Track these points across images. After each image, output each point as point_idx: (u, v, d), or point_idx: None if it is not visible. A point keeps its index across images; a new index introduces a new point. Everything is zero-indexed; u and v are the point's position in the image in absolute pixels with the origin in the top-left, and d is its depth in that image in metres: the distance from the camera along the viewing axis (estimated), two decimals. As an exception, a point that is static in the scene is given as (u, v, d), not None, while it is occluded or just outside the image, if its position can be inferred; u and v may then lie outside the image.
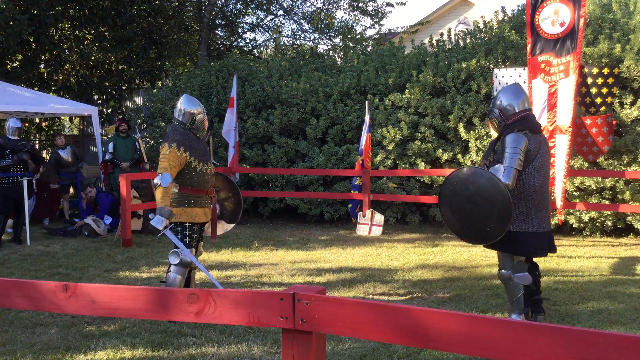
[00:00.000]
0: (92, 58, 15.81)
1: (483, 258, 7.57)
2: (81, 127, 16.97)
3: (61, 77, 15.71)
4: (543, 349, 1.84)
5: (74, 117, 17.50)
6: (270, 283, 6.45)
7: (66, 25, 15.73)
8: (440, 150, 9.70)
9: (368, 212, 9.57)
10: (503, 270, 4.88)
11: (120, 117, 13.11)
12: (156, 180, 4.94)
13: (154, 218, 4.92)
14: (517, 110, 4.80)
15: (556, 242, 8.52)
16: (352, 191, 9.94)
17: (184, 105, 5.21)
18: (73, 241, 8.99)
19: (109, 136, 12.47)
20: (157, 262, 7.51)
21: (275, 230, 10.09)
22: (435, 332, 2.02)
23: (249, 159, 11.22)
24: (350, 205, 10.06)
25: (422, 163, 9.81)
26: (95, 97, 15.87)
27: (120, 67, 16.11)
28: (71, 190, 11.93)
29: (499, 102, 4.90)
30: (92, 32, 15.57)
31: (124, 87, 16.21)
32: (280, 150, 10.94)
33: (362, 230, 9.62)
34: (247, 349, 4.43)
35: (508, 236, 4.66)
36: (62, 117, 17.98)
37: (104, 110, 15.80)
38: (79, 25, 15.38)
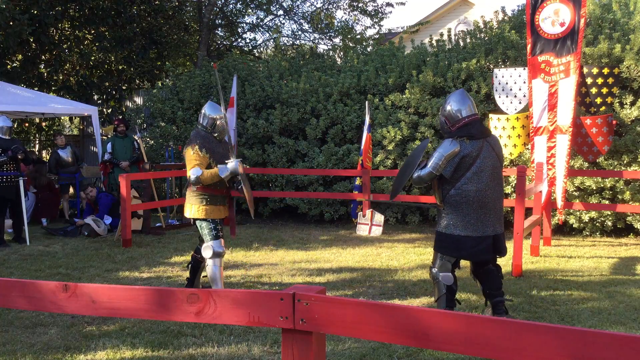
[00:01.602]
0: (92, 58, 15.82)
1: (483, 258, 7.57)
2: (81, 127, 16.98)
3: (61, 77, 15.71)
4: (541, 348, 1.84)
5: (73, 117, 17.51)
6: (270, 283, 6.46)
7: (66, 25, 15.73)
8: (440, 150, 9.70)
9: (368, 212, 9.58)
10: (433, 269, 5.02)
11: (120, 117, 13.10)
12: (193, 177, 5.44)
13: (236, 168, 5.44)
14: (462, 117, 4.88)
15: (556, 242, 8.60)
16: (354, 191, 9.94)
17: (207, 110, 5.73)
18: (73, 241, 8.99)
19: (109, 136, 12.47)
20: (157, 262, 7.51)
21: (275, 230, 10.09)
22: (434, 332, 2.02)
23: (249, 159, 11.22)
24: (351, 206, 10.08)
25: (422, 163, 9.81)
26: (95, 97, 15.87)
27: (120, 67, 16.11)
28: (71, 190, 11.93)
29: (444, 110, 4.99)
30: (92, 32, 15.57)
31: (123, 87, 16.21)
32: (280, 150, 10.94)
33: (362, 230, 9.62)
34: (247, 349, 4.43)
35: (448, 239, 4.86)
36: (62, 117, 17.98)
37: (104, 110, 15.80)
38: (79, 25, 15.39)
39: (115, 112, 15.84)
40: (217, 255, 5.57)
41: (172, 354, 4.38)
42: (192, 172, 5.45)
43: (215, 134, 5.70)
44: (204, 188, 5.55)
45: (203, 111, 5.77)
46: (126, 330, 4.86)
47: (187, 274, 6.78)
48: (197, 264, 5.93)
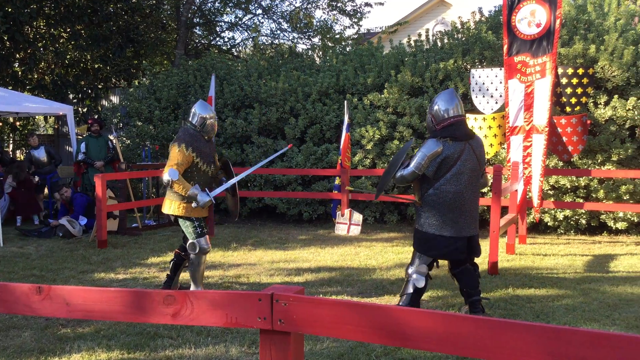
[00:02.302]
0: (68, 56, 15.61)
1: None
2: (56, 126, 16.74)
3: (36, 76, 15.47)
4: (519, 346, 1.86)
5: (48, 117, 17.26)
6: (248, 283, 6.43)
7: (41, 24, 15.50)
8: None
9: (346, 211, 9.59)
10: (409, 268, 5.07)
11: (96, 116, 12.95)
12: (166, 178, 5.47)
13: (200, 202, 5.48)
14: (448, 116, 4.91)
15: (532, 240, 8.71)
16: (334, 191, 9.94)
17: (198, 109, 5.75)
18: (47, 242, 8.86)
19: (83, 136, 12.31)
20: (134, 263, 7.43)
21: (253, 230, 10.05)
22: (412, 330, 2.03)
23: (227, 159, 11.15)
24: (331, 205, 10.08)
25: (400, 162, 9.85)
26: (71, 96, 15.66)
27: (96, 66, 15.91)
28: (45, 190, 11.75)
29: (432, 108, 5.03)
30: (68, 30, 15.36)
31: (99, 86, 16.02)
32: (259, 150, 10.91)
33: (340, 229, 9.63)
34: (225, 350, 4.41)
35: (424, 237, 4.92)
36: (37, 117, 17.72)
37: (80, 109, 15.59)
38: (54, 23, 15.16)
39: (91, 111, 15.65)
40: (202, 252, 5.65)
41: (148, 355, 4.33)
42: (168, 173, 5.46)
43: (205, 134, 5.71)
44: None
45: (193, 109, 5.77)
46: (101, 332, 4.80)
47: (164, 274, 6.72)
48: (180, 261, 5.96)
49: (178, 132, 5.76)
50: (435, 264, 5.13)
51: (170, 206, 5.66)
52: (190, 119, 5.76)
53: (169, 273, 6.04)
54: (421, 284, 4.96)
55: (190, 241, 5.67)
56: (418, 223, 5.01)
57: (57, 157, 11.67)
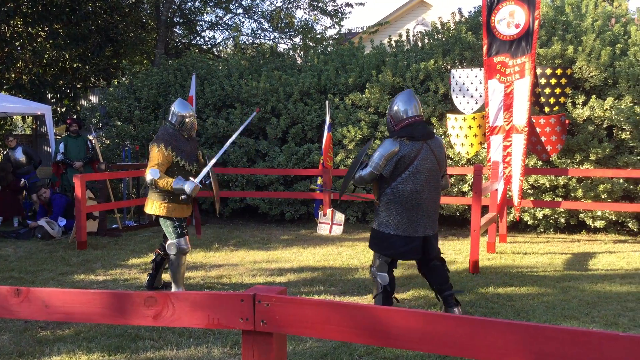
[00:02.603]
0: (46, 56, 15.39)
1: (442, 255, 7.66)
2: (34, 126, 16.52)
3: (13, 75, 15.25)
4: (500, 344, 1.87)
5: (26, 117, 17.02)
6: (230, 284, 6.41)
7: (18, 22, 15.27)
8: (400, 150, 9.79)
9: (329, 211, 9.60)
10: (372, 268, 5.14)
11: (75, 116, 12.79)
12: (148, 177, 5.45)
13: (189, 190, 5.43)
14: (407, 117, 4.96)
15: (512, 239, 8.79)
16: (317, 191, 9.94)
17: (177, 108, 5.73)
18: (26, 244, 8.74)
19: (62, 136, 12.16)
20: (114, 264, 7.36)
21: (235, 230, 10.02)
22: (395, 330, 2.04)
23: (208, 159, 11.09)
24: (314, 205, 10.08)
25: (382, 162, 9.88)
26: (49, 95, 15.46)
27: (75, 65, 15.73)
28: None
29: (392, 109, 5.08)
30: (46, 29, 15.16)
31: (78, 86, 15.84)
32: (240, 150, 10.87)
33: (322, 229, 9.64)
34: (207, 351, 4.38)
35: (381, 237, 4.97)
36: (15, 117, 17.46)
37: (58, 109, 15.40)
38: (31, 22, 14.95)
39: (70, 111, 15.46)
40: (181, 252, 5.65)
41: (129, 357, 4.30)
42: (150, 172, 5.45)
43: (184, 132, 5.71)
44: None
45: (172, 108, 5.75)
46: (82, 334, 4.74)
47: (145, 276, 6.67)
48: (161, 261, 6.01)
49: (157, 132, 5.74)
50: (394, 265, 5.16)
51: (152, 206, 5.65)
52: (169, 118, 5.75)
53: (150, 272, 6.07)
54: (385, 280, 5.01)
55: (169, 241, 5.67)
56: (375, 222, 5.08)
57: (36, 158, 11.44)
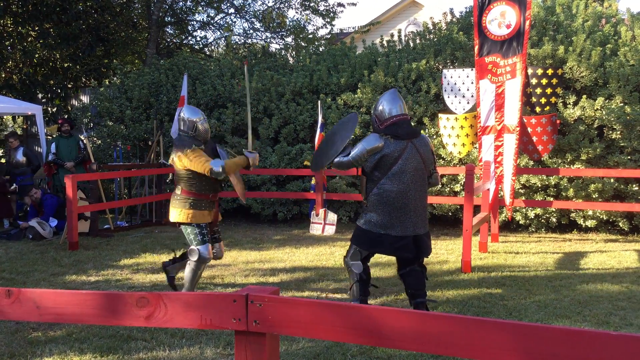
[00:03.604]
0: (36, 55, 15.31)
1: (434, 255, 7.69)
2: (25, 126, 16.42)
3: (3, 75, 15.16)
4: (493, 344, 1.88)
5: (17, 117, 16.92)
6: (223, 284, 6.39)
7: (8, 22, 15.18)
8: (392, 150, 9.80)
9: (321, 211, 9.59)
10: (346, 258, 5.16)
11: (66, 116, 12.72)
12: (217, 169, 5.30)
13: (253, 160, 5.59)
14: (391, 115, 4.97)
15: (504, 239, 8.82)
16: (311, 191, 9.93)
17: (186, 114, 5.60)
18: (17, 244, 8.68)
19: (53, 136, 12.08)
20: (106, 265, 7.33)
21: (228, 230, 10.00)
22: (388, 330, 2.04)
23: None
24: (308, 206, 10.07)
25: (374, 162, 9.89)
26: (40, 95, 15.37)
27: (66, 65, 15.64)
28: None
29: (376, 109, 5.09)
30: (36, 28, 15.07)
31: (69, 86, 15.76)
32: (232, 150, 10.84)
33: (315, 229, 9.63)
34: (200, 351, 4.37)
35: (370, 236, 4.95)
36: (5, 117, 17.35)
37: (49, 109, 15.31)
38: (22, 21, 14.87)
39: (61, 111, 15.38)
40: (202, 260, 5.51)
41: (121, 358, 4.28)
42: (213, 165, 5.29)
43: (199, 137, 5.57)
44: (189, 192, 5.47)
45: (181, 116, 5.61)
46: (74, 335, 4.72)
47: (137, 276, 6.65)
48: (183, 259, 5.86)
49: (175, 144, 5.57)
50: (368, 259, 5.18)
51: (174, 214, 5.51)
52: (181, 128, 5.60)
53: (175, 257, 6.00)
54: (359, 268, 5.03)
55: (190, 247, 5.53)
56: (360, 220, 5.05)
57: (35, 162, 11.13)
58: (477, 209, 7.98)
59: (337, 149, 5.04)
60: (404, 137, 4.89)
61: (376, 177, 4.91)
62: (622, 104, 8.72)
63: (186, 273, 5.62)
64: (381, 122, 5.00)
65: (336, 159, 5.01)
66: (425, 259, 7.39)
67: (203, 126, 5.59)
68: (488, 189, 8.00)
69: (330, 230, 9.53)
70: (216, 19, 18.95)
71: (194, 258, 5.50)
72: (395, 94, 5.07)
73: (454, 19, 11.52)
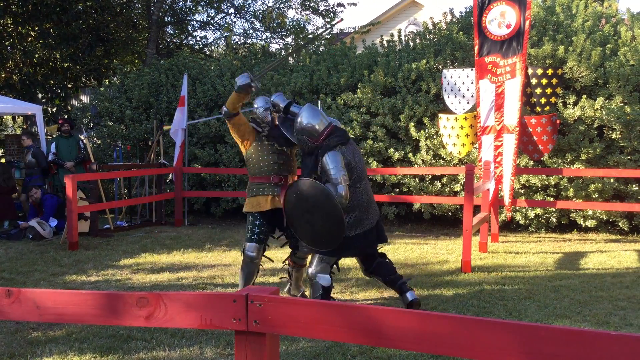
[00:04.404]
0: (36, 55, 15.32)
1: (434, 255, 7.70)
2: (25, 126, 16.43)
3: (3, 75, 15.16)
4: (492, 344, 1.88)
5: (17, 117, 16.92)
6: (223, 284, 6.39)
7: (8, 22, 15.19)
8: (392, 150, 9.82)
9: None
10: (309, 270, 5.14)
11: (66, 116, 12.71)
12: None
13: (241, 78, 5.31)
14: (322, 129, 5.04)
15: (503, 239, 8.83)
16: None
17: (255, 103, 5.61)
18: (17, 244, 8.68)
19: (53, 136, 12.07)
20: (105, 265, 7.33)
21: (227, 230, 10.00)
22: (388, 330, 2.04)
23: (200, 159, 11.08)
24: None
25: (375, 162, 9.90)
26: (40, 95, 15.38)
27: (66, 65, 15.65)
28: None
29: (303, 129, 5.06)
30: (36, 28, 15.08)
31: (69, 86, 15.77)
32: (232, 150, 10.85)
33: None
34: (200, 351, 4.37)
35: (341, 242, 4.95)
36: (5, 117, 17.36)
37: (49, 109, 15.32)
38: (21, 21, 14.88)
39: (61, 111, 15.39)
40: (246, 258, 5.38)
41: (121, 358, 4.28)
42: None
43: (262, 124, 5.50)
44: (251, 177, 5.45)
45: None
46: (73, 335, 4.72)
47: (137, 276, 6.66)
48: (297, 272, 5.65)
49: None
50: (335, 265, 5.23)
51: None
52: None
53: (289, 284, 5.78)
54: (328, 281, 5.05)
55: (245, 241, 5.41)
56: None
57: (42, 163, 11.06)
58: (477, 209, 7.98)
59: (338, 217, 4.78)
60: (347, 141, 5.04)
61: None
62: (622, 104, 8.72)
63: (240, 269, 5.54)
64: (316, 138, 5.03)
65: (336, 201, 4.76)
66: (425, 259, 7.44)
67: (260, 112, 5.52)
68: (488, 189, 8.00)
69: (330, 230, 9.51)
70: (216, 19, 18.98)
71: (243, 253, 5.42)
72: (312, 108, 5.16)
73: (454, 19, 11.52)
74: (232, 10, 18.67)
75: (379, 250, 5.40)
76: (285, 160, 5.47)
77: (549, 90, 8.23)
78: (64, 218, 9.02)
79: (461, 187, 9.43)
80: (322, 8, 18.31)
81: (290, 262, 5.63)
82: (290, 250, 5.57)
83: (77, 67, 15.53)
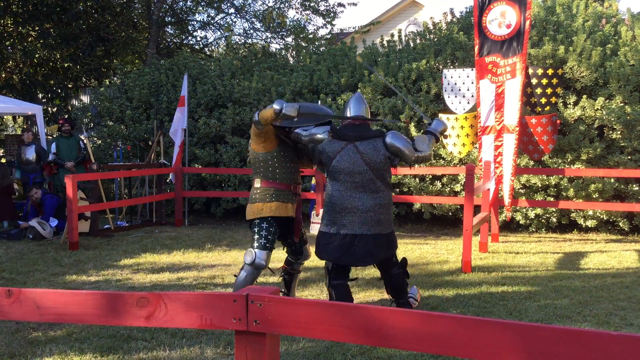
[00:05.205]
0: (37, 55, 15.32)
1: (434, 255, 7.69)
2: (25, 126, 16.43)
3: (4, 75, 15.17)
4: (494, 344, 1.88)
5: (17, 117, 16.93)
6: (223, 284, 6.39)
7: (9, 22, 15.20)
8: (392, 150, 9.80)
9: (321, 211, 9.57)
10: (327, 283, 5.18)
11: (66, 116, 12.72)
12: (276, 106, 4.66)
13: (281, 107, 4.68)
14: (345, 117, 5.14)
15: (504, 239, 8.82)
16: (311, 191, 9.93)
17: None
18: (17, 244, 8.68)
19: (53, 136, 12.08)
20: (106, 265, 7.33)
21: (228, 230, 10.00)
22: (388, 330, 2.04)
23: (200, 159, 11.08)
24: (310, 205, 10.07)
25: (374, 162, 9.89)
26: (40, 95, 15.39)
27: (66, 65, 15.66)
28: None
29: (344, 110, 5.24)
30: (36, 28, 15.09)
31: (69, 86, 15.77)
32: (232, 150, 10.85)
33: (315, 229, 9.62)
34: (200, 351, 4.37)
35: (317, 238, 5.06)
36: (5, 117, 17.37)
37: (49, 109, 15.33)
38: (22, 21, 14.88)
39: (61, 111, 15.40)
40: (255, 266, 4.98)
41: (122, 358, 4.28)
42: (278, 103, 4.74)
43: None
44: (264, 181, 5.05)
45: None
46: (74, 335, 4.72)
47: (137, 276, 6.65)
48: (290, 277, 5.54)
49: None
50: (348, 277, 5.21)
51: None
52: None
53: (283, 290, 5.52)
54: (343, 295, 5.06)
55: (248, 249, 5.04)
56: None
57: (45, 159, 11.11)
58: (477, 209, 7.98)
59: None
60: (343, 138, 4.98)
61: (326, 175, 5.08)
62: (622, 104, 8.72)
63: (237, 279, 5.07)
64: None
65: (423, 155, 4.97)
66: (426, 259, 7.43)
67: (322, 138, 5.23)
68: (488, 189, 7.99)
69: (330, 230, 9.51)
70: (216, 19, 18.97)
71: (248, 260, 5.00)
72: (358, 98, 5.19)
73: (454, 19, 11.52)
74: (232, 10, 18.68)
75: (398, 260, 5.22)
76: (298, 169, 5.30)
77: (549, 90, 8.22)
78: (64, 218, 9.02)
79: (461, 187, 9.43)
80: (322, 8, 18.31)
81: (284, 266, 5.58)
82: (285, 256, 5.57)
83: (78, 67, 15.54)
